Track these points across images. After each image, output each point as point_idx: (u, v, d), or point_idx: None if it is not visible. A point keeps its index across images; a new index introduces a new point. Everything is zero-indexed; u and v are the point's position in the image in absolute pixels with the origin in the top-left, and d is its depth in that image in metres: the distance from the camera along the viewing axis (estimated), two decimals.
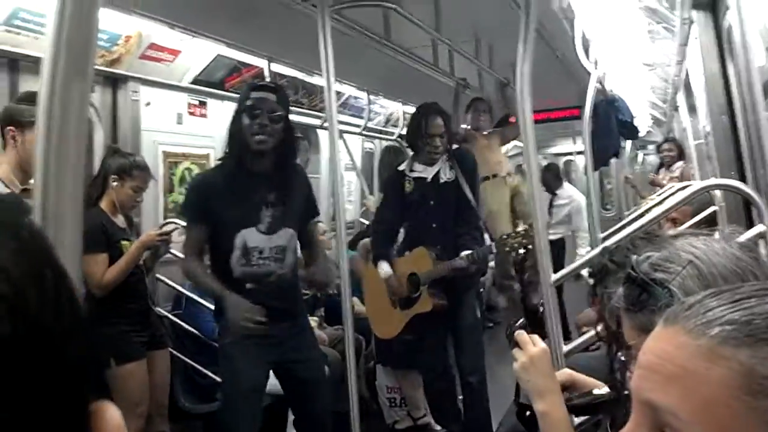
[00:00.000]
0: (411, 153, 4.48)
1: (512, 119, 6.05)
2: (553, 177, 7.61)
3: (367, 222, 6.92)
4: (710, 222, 3.15)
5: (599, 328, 1.47)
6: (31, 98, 3.11)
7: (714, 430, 0.64)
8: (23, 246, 0.43)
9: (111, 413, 0.45)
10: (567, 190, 7.73)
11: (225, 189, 3.21)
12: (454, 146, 4.46)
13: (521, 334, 1.70)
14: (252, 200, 3.23)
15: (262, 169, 3.25)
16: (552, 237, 6.08)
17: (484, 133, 5.98)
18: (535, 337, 1.71)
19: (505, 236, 3.98)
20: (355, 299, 5.14)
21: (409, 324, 4.30)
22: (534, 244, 4.04)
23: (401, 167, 4.44)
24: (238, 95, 5.21)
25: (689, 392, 0.66)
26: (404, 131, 7.58)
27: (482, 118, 6.01)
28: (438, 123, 4.21)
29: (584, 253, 7.08)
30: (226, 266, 3.20)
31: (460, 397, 4.41)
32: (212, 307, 3.68)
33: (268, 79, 4.89)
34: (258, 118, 3.17)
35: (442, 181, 4.24)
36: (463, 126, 5.95)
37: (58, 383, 0.41)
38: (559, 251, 7.08)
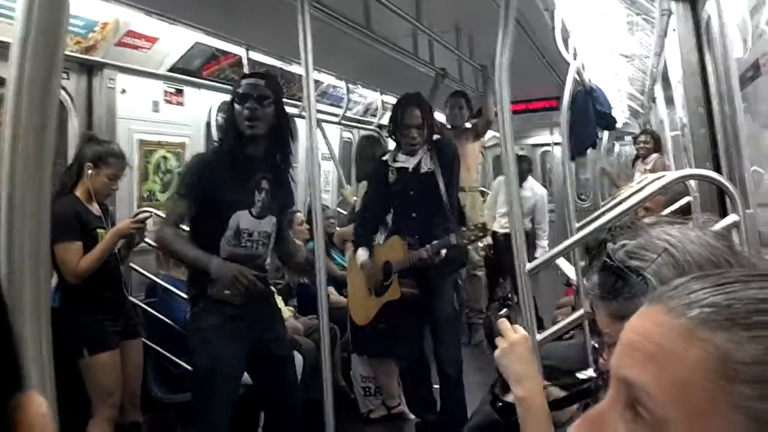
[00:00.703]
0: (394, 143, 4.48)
1: (488, 110, 6.08)
2: (525, 170, 7.65)
3: (343, 212, 6.92)
4: (684, 212, 3.18)
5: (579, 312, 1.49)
6: None
7: (685, 411, 0.64)
8: None
9: (37, 403, 0.45)
10: (530, 182, 7.76)
11: (224, 170, 3.29)
12: (436, 137, 4.45)
13: (503, 322, 1.71)
14: (248, 184, 3.33)
15: (257, 153, 3.36)
16: None
17: (464, 127, 6.04)
18: (517, 325, 1.72)
19: (464, 229, 4.05)
20: (330, 288, 5.15)
21: (384, 312, 4.31)
22: (488, 238, 4.10)
23: (385, 157, 4.46)
24: (215, 83, 5.22)
25: (664, 371, 0.66)
26: (383, 121, 7.66)
27: (458, 114, 6.06)
28: (415, 114, 4.21)
29: (545, 245, 7.18)
30: (213, 246, 3.25)
31: (437, 386, 4.43)
32: (185, 296, 3.67)
33: (246, 67, 4.89)
34: (248, 103, 3.28)
35: (422, 171, 4.25)
36: (440, 121, 5.98)
37: None
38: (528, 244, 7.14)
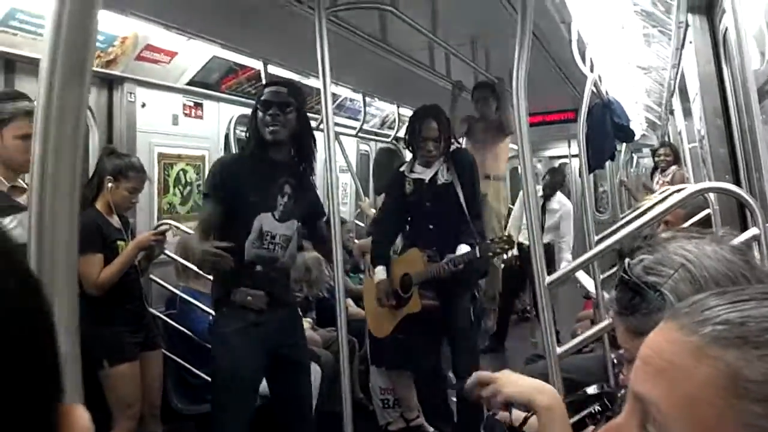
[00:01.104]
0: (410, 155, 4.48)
1: (507, 123, 6.04)
2: (558, 182, 7.60)
3: (361, 224, 6.93)
4: (704, 225, 3.16)
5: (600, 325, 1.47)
6: (6, 96, 3.13)
7: (694, 427, 0.64)
8: None
9: (79, 415, 0.45)
10: (558, 195, 7.72)
11: (247, 173, 3.36)
12: (454, 146, 4.44)
13: (480, 374, 1.63)
14: (271, 187, 3.38)
15: (281, 158, 3.42)
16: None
17: (493, 118, 5.99)
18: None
19: (488, 241, 4.02)
20: (348, 300, 5.15)
21: (403, 324, 4.30)
22: (514, 249, 4.08)
23: (402, 168, 4.45)
24: (233, 97, 5.26)
25: (674, 386, 0.67)
26: (399, 133, 7.68)
27: (486, 106, 5.99)
28: (432, 127, 4.21)
29: (569, 257, 7.13)
30: (239, 248, 3.28)
31: (455, 399, 4.42)
32: (205, 308, 3.69)
33: (264, 81, 4.91)
34: (270, 110, 3.33)
35: (439, 182, 4.24)
36: (470, 115, 5.97)
37: (27, 387, 0.40)
38: (549, 257, 7.08)
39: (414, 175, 4.32)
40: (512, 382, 1.58)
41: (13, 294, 0.43)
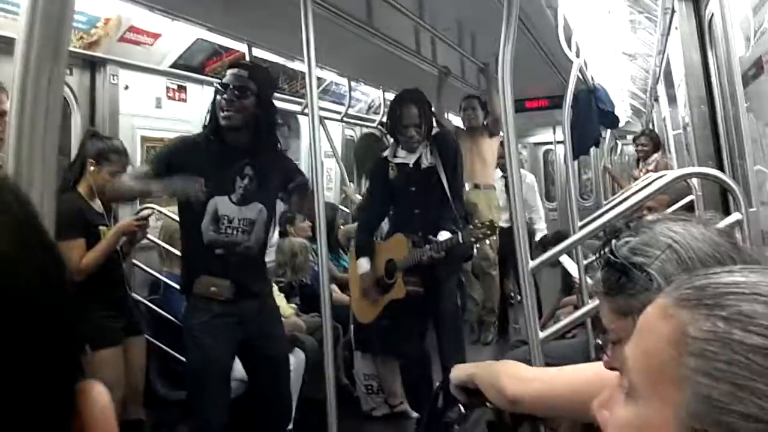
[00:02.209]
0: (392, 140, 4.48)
1: (493, 108, 6.06)
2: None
3: (346, 209, 6.92)
4: (687, 211, 3.18)
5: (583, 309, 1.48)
6: None
7: (647, 377, 0.70)
8: (9, 215, 0.41)
9: (97, 391, 0.44)
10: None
11: (200, 155, 3.29)
12: (435, 130, 4.44)
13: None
14: (227, 170, 3.30)
15: (239, 142, 3.32)
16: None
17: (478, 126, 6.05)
18: None
19: (471, 227, 4.01)
20: (333, 286, 5.15)
21: (388, 310, 4.31)
22: (497, 236, 4.10)
23: (385, 153, 4.45)
24: (217, 80, 5.23)
25: (640, 341, 0.73)
26: (385, 118, 7.66)
27: (473, 115, 6.07)
28: (412, 113, 4.18)
29: (542, 226, 7.15)
30: (197, 231, 3.26)
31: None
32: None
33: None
34: (226, 94, 3.27)
35: (423, 166, 4.23)
36: (455, 125, 6.01)
37: (47, 360, 0.40)
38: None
39: (397, 160, 4.31)
40: (457, 368, 1.62)
41: (39, 265, 0.42)
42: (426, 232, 4.11)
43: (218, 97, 3.30)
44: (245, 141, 3.32)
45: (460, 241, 3.94)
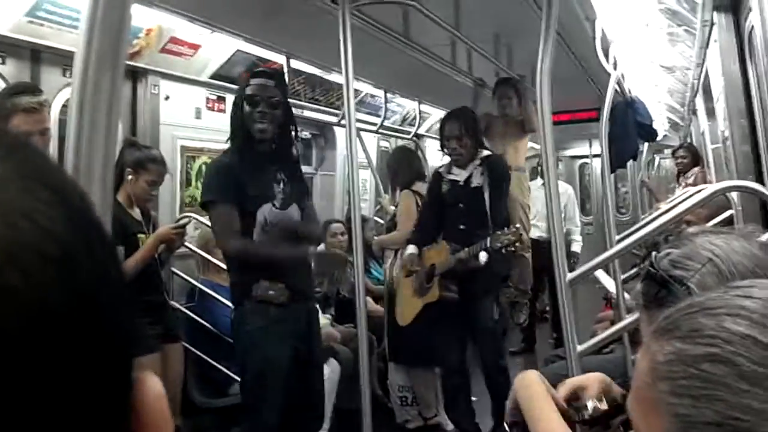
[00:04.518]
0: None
1: (529, 121, 5.99)
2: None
3: (381, 221, 6.93)
4: (726, 226, 3.14)
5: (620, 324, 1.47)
6: (10, 91, 3.13)
7: (639, 412, 0.75)
8: (73, 210, 0.41)
9: (152, 382, 0.45)
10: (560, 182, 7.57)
11: (242, 169, 3.30)
12: (487, 153, 4.51)
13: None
14: (265, 178, 3.34)
15: (269, 149, 3.37)
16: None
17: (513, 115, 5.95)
18: None
19: (498, 233, 4.03)
20: (367, 298, 5.16)
21: (424, 315, 4.39)
22: (522, 242, 4.13)
23: (440, 168, 4.63)
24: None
25: (632, 384, 0.78)
26: (420, 130, 7.72)
27: (507, 104, 5.94)
28: (453, 127, 4.35)
29: (579, 239, 7.08)
30: (250, 239, 3.30)
31: (475, 398, 4.46)
32: (226, 301, 3.69)
33: (287, 75, 4.91)
34: (259, 106, 3.27)
35: (472, 185, 4.35)
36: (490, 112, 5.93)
37: (106, 353, 0.40)
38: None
39: (450, 176, 4.44)
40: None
41: (106, 260, 0.42)
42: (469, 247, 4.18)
43: (247, 108, 3.29)
44: (273, 145, 3.38)
45: (488, 245, 3.97)
